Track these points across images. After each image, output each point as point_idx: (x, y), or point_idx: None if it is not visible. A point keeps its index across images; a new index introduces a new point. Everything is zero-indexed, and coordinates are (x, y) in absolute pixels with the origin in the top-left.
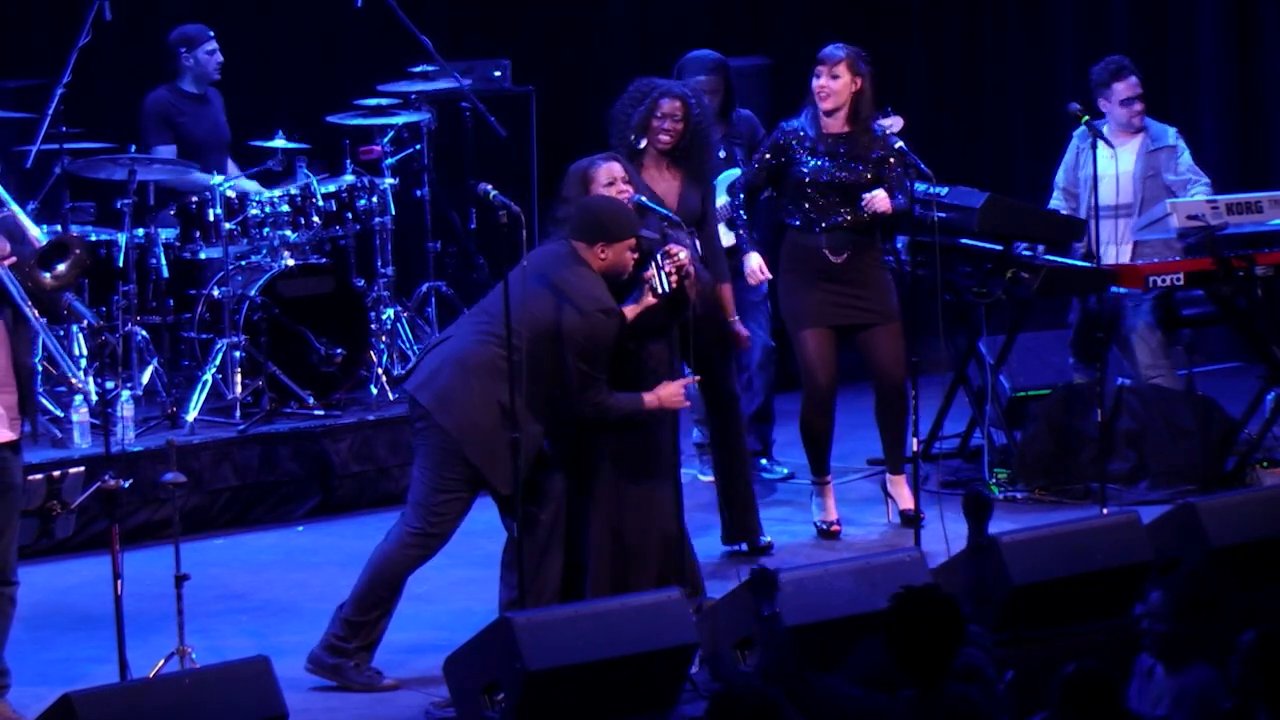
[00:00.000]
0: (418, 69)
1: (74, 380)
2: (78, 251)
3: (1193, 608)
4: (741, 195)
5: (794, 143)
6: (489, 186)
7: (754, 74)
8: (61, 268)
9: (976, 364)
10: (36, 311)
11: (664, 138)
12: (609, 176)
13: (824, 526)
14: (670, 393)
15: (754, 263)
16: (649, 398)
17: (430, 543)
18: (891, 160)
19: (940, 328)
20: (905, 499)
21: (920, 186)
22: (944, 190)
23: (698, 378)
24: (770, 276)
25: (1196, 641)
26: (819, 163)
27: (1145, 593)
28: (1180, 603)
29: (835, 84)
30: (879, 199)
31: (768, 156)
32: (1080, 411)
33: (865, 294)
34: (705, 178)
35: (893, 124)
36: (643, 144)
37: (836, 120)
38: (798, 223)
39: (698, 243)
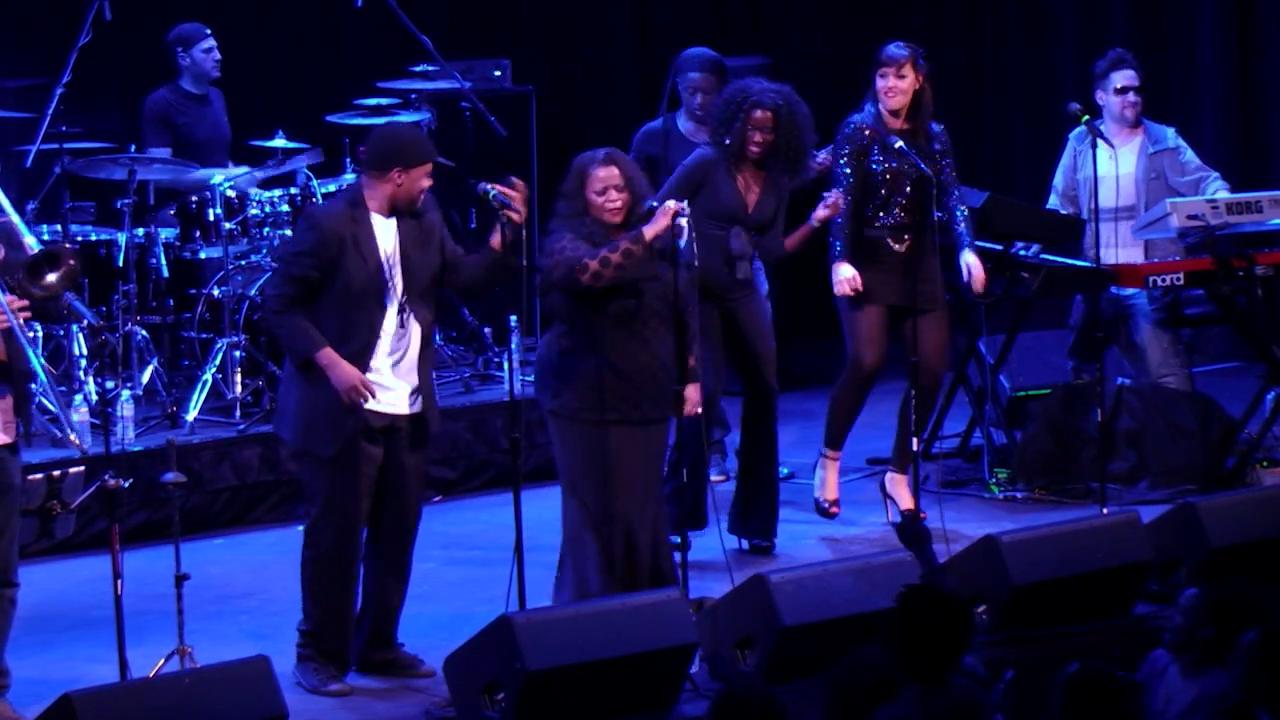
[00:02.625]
0: (418, 68)
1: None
2: (71, 263)
3: (1226, 613)
4: (846, 201)
5: (867, 138)
6: (489, 186)
7: (753, 73)
8: (52, 278)
9: (976, 363)
10: (28, 315)
11: (754, 149)
12: (603, 184)
13: (824, 504)
14: (343, 378)
15: (844, 273)
16: (325, 358)
17: None
18: (947, 159)
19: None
20: (905, 499)
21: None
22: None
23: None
24: (860, 288)
25: (1222, 647)
26: (889, 161)
27: (1176, 589)
28: (1215, 606)
29: (903, 83)
30: (978, 274)
31: (850, 156)
32: (1080, 411)
33: (920, 278)
34: (785, 185)
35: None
36: (735, 146)
37: (899, 117)
38: (867, 214)
39: (743, 242)
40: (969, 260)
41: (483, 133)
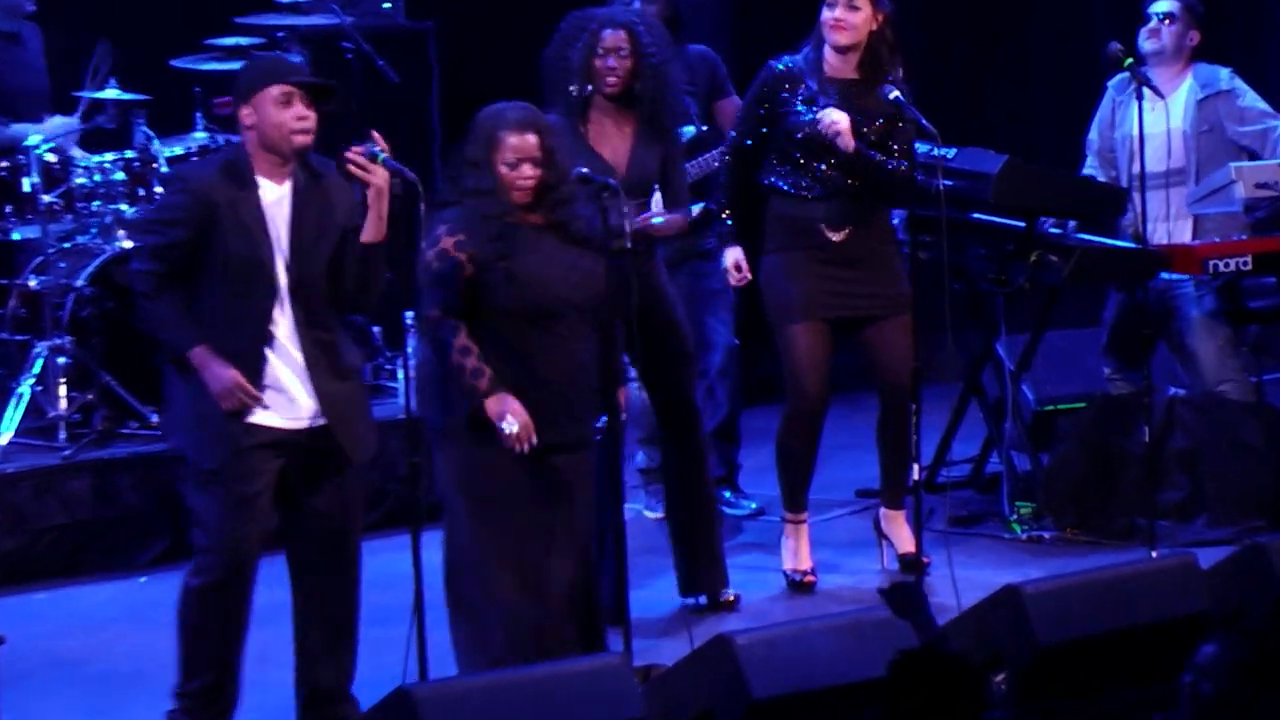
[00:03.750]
0: (287, 0)
1: None
2: None
3: (1254, 670)
4: (723, 160)
5: (787, 86)
6: (379, 148)
7: (711, 5)
8: None
9: (993, 370)
10: None
11: (610, 79)
12: (516, 154)
13: (795, 578)
14: (217, 380)
15: (731, 258)
16: (197, 358)
17: None
18: (901, 123)
19: (947, 325)
20: (905, 540)
21: (922, 148)
22: (951, 153)
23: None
24: (749, 276)
25: (1248, 713)
26: (814, 115)
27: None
28: (1239, 662)
29: (854, 16)
30: (839, 121)
31: (756, 105)
32: (1122, 429)
33: (871, 278)
34: (666, 130)
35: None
36: (587, 90)
37: (847, 63)
38: (786, 188)
39: (654, 214)
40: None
41: (371, 80)
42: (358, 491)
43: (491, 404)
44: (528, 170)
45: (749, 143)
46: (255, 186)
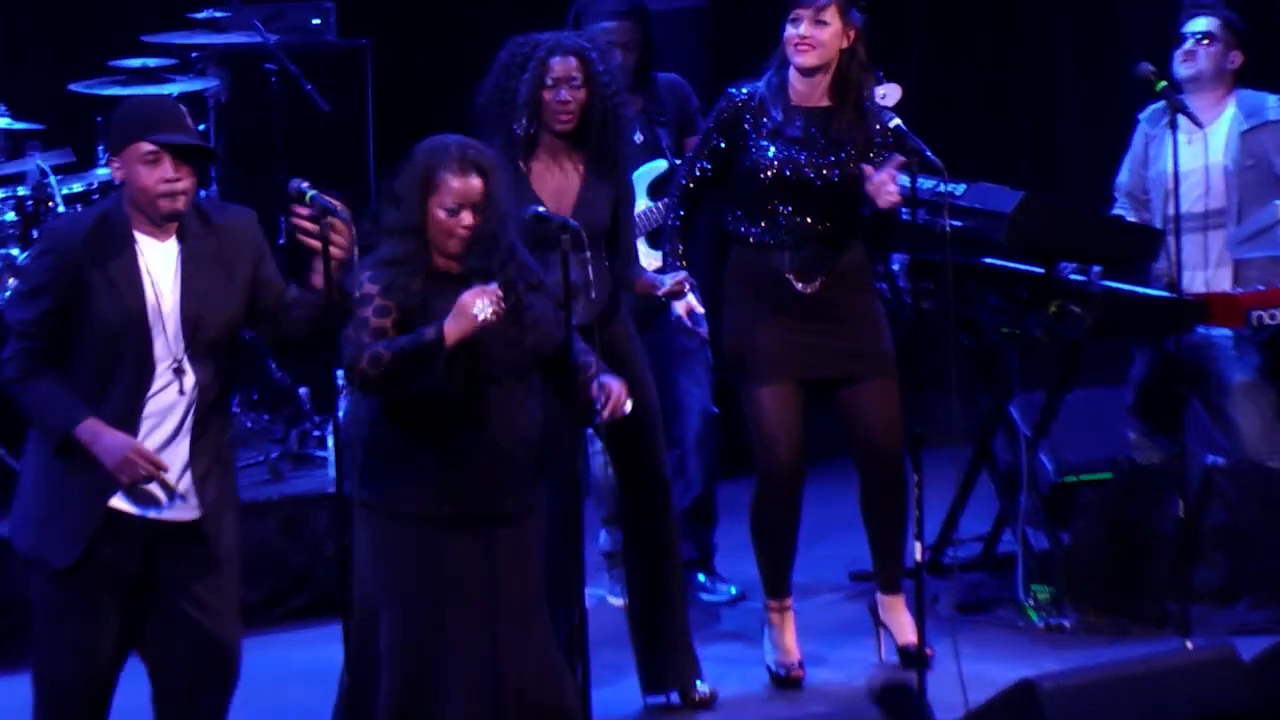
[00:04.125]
0: (201, 14)
1: None
2: None
3: None
4: (673, 197)
5: (748, 117)
6: (305, 183)
7: (685, 21)
8: None
9: (1006, 435)
10: None
11: (563, 116)
12: (457, 200)
13: (780, 672)
14: (111, 450)
15: (681, 307)
16: (87, 432)
17: None
18: (887, 148)
19: (954, 383)
20: (905, 630)
21: (926, 184)
22: (960, 188)
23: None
24: (704, 331)
25: None
26: (784, 150)
27: None
28: None
29: (821, 33)
30: (887, 186)
31: (715, 139)
32: (1152, 502)
33: (846, 333)
34: (617, 171)
35: (887, 94)
36: (532, 128)
37: (816, 88)
38: (750, 234)
39: (599, 267)
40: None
41: (298, 106)
42: (231, 596)
43: (449, 325)
44: (467, 218)
45: (699, 175)
46: (132, 243)
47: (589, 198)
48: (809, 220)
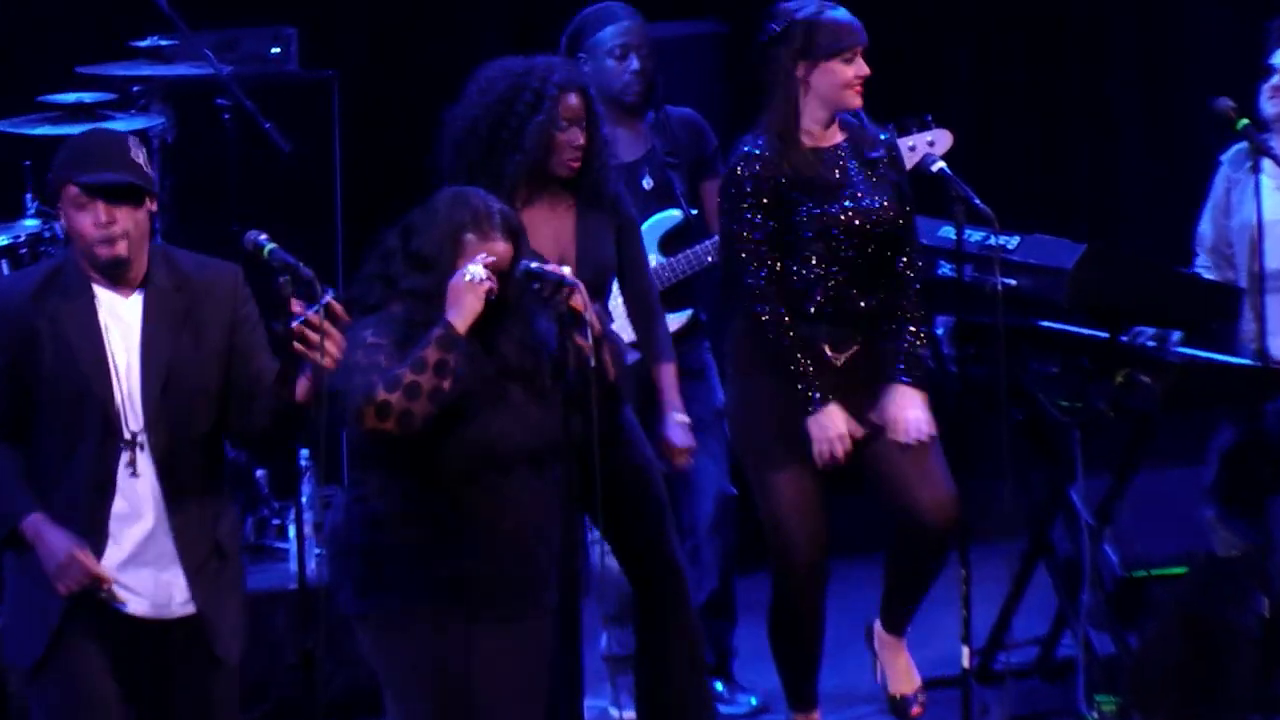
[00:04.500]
0: (144, 42)
1: None
2: None
3: None
4: (756, 275)
5: (780, 176)
6: (263, 236)
7: (700, 48)
8: None
9: (1066, 524)
10: None
11: (573, 159)
12: (484, 259)
13: None
14: (50, 552)
15: (836, 424)
16: (30, 528)
17: None
18: (895, 167)
19: (1007, 464)
20: (901, 678)
21: (974, 236)
22: (1013, 241)
23: None
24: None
25: None
26: (819, 205)
27: None
28: None
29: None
30: (905, 425)
31: (768, 224)
32: (1233, 599)
33: (875, 405)
34: (615, 204)
35: (935, 141)
36: (530, 165)
37: (830, 131)
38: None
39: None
40: (897, 401)
41: (254, 147)
42: (228, 698)
43: (452, 315)
44: (486, 282)
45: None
46: (90, 297)
47: (590, 231)
48: (856, 292)
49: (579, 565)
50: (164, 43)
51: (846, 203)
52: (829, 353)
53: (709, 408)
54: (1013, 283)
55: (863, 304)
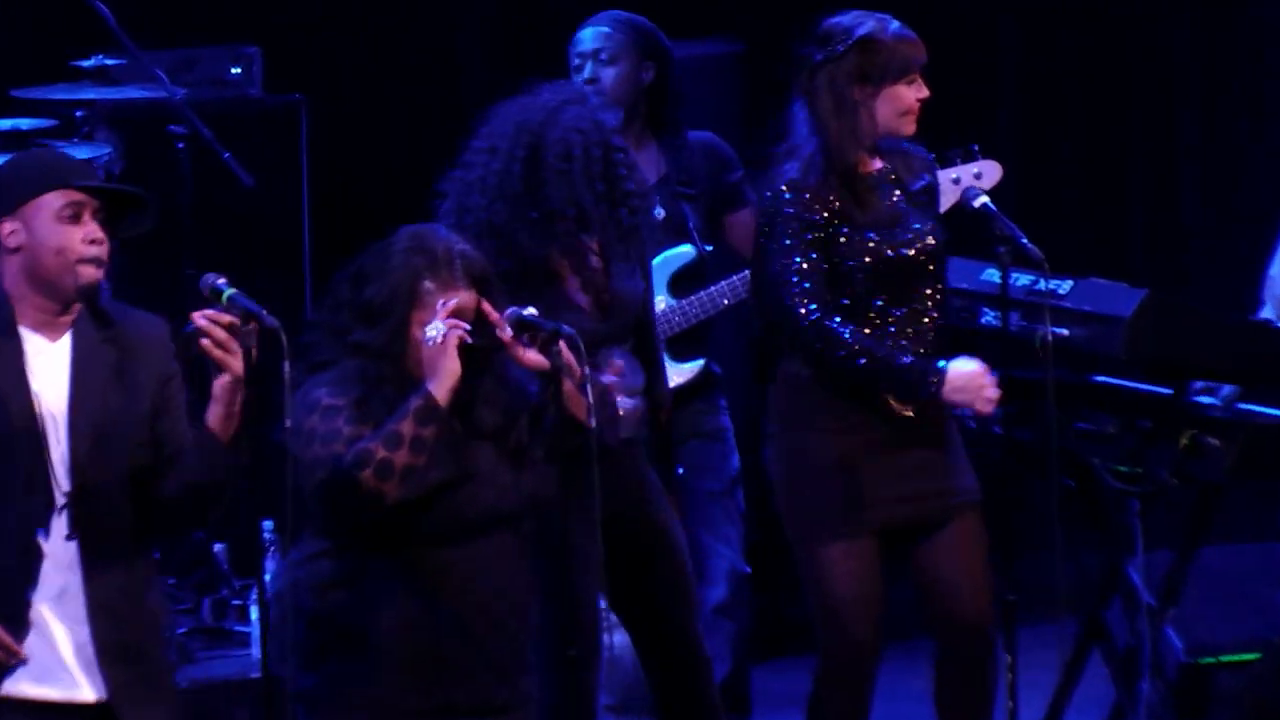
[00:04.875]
0: (89, 62)
1: None
2: None
3: None
4: (809, 309)
5: (830, 208)
6: (221, 280)
7: (714, 68)
8: None
9: (1124, 605)
10: None
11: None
12: (447, 309)
13: None
14: None
15: (968, 374)
16: None
17: None
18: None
19: (1057, 537)
20: None
21: (1021, 280)
22: (1064, 286)
23: None
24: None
25: None
26: (874, 238)
27: None
28: None
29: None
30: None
31: (817, 236)
32: None
33: (940, 464)
34: (639, 244)
35: (983, 173)
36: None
37: (871, 153)
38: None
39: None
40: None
41: (211, 180)
42: None
43: (432, 385)
44: (453, 331)
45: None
46: (16, 339)
47: (621, 276)
48: (905, 314)
49: (589, 644)
50: (111, 62)
51: (901, 233)
52: (892, 402)
53: (722, 477)
54: (1064, 333)
55: (921, 327)
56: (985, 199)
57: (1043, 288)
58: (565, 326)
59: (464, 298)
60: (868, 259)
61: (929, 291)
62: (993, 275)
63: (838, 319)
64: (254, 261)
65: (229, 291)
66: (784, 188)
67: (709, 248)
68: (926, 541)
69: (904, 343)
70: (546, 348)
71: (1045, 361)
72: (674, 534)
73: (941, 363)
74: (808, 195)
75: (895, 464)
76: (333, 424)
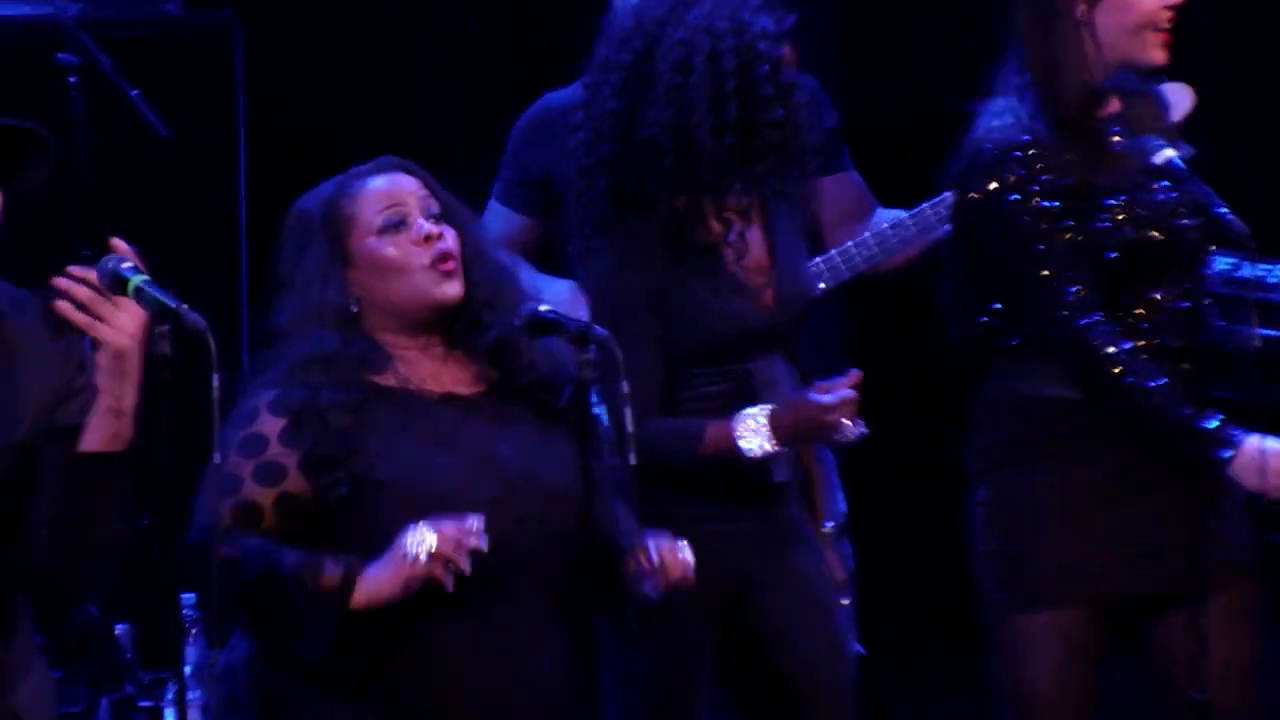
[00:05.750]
0: None
1: None
2: None
3: None
4: (1063, 295)
5: (1068, 171)
6: (126, 263)
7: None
8: None
9: None
10: None
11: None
12: (388, 203)
13: None
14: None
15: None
16: None
17: None
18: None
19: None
20: None
21: (1220, 263)
22: (1276, 271)
23: None
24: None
25: None
26: (1125, 207)
27: None
28: None
29: None
30: None
31: (1061, 206)
32: None
33: (1188, 515)
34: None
35: (1175, 100)
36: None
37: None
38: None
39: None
40: None
41: (116, 129)
42: None
43: (374, 573)
44: (425, 225)
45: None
46: None
47: (785, 247)
48: (1169, 299)
49: None
50: None
51: (1160, 196)
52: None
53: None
54: (1276, 334)
55: (1192, 323)
56: (1171, 153)
57: (1247, 274)
58: (597, 327)
59: (403, 181)
60: (1129, 237)
61: (1189, 277)
62: None
63: (1128, 345)
64: (173, 237)
65: (136, 279)
66: (1010, 147)
67: None
68: (1169, 619)
69: (1169, 347)
70: (577, 355)
71: (1250, 372)
72: (839, 631)
73: (1240, 433)
74: (1039, 162)
75: (1133, 513)
76: (237, 467)
